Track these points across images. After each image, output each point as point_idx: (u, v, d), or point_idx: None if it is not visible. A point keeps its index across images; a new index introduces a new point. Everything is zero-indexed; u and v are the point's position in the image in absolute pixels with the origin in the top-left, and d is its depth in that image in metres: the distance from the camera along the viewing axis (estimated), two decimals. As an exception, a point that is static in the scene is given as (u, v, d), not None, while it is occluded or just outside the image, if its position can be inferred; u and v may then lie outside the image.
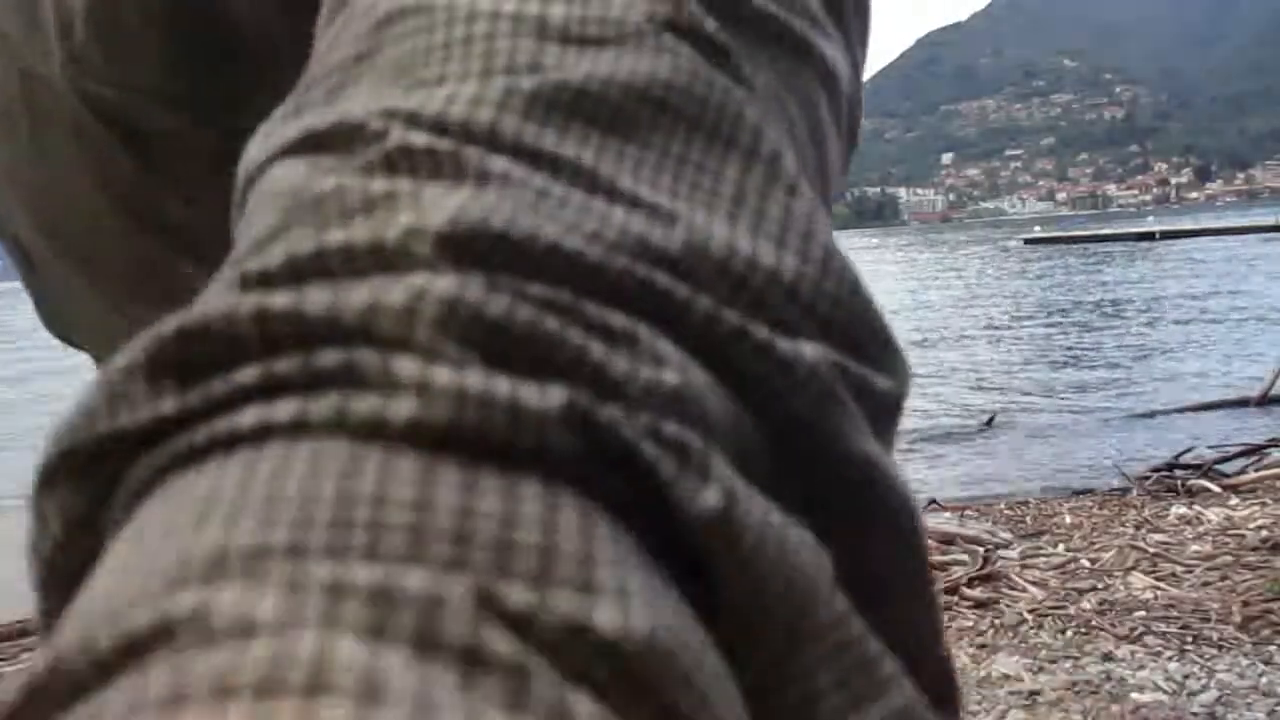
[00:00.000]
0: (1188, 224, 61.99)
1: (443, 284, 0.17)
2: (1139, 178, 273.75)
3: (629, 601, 0.14)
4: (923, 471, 7.75)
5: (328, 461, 0.15)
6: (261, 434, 0.16)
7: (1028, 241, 56.32)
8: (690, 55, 0.22)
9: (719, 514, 0.16)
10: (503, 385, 0.16)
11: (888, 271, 35.80)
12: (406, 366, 0.16)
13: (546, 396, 0.16)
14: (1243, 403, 8.72)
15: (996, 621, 3.67)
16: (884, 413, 0.21)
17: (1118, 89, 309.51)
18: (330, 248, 0.18)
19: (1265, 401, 8.52)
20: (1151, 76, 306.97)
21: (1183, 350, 13.07)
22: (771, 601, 0.17)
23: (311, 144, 0.21)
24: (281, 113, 0.23)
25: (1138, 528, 5.49)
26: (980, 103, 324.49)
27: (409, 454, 0.15)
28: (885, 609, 0.20)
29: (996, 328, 16.85)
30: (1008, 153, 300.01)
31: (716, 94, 0.22)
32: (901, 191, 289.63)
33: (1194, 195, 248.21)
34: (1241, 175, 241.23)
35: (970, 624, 3.65)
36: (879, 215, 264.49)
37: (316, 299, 0.17)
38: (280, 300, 0.17)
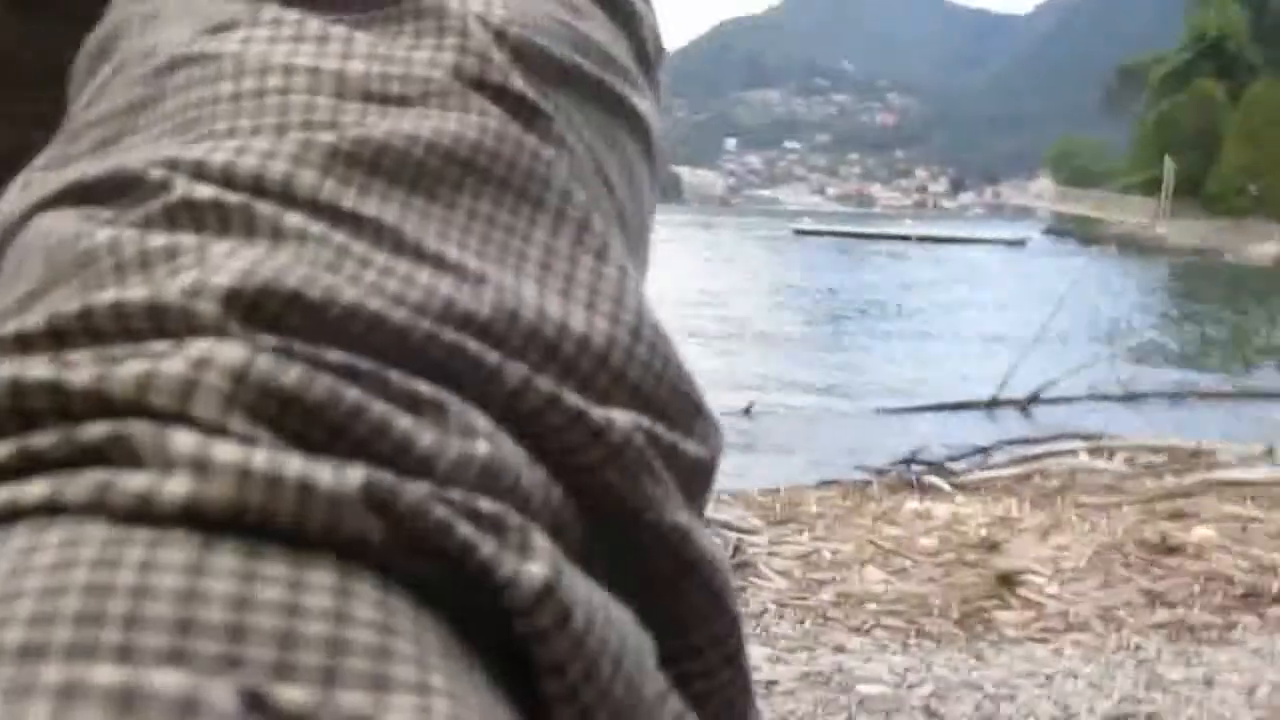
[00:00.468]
0: (942, 230, 67.25)
1: (229, 350, 0.15)
2: (902, 182, 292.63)
3: (429, 699, 0.13)
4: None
5: (82, 548, 0.13)
6: (8, 518, 0.14)
7: (798, 232, 59.22)
8: (499, 115, 0.21)
9: (545, 591, 0.15)
10: (293, 463, 0.15)
11: (667, 252, 36.75)
12: (184, 442, 0.14)
13: (344, 476, 0.15)
14: (975, 405, 9.39)
15: (743, 610, 3.83)
16: (696, 479, 0.21)
17: (890, 96, 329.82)
18: (99, 308, 0.16)
19: (994, 405, 9.28)
20: (920, 89, 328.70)
21: (928, 352, 14.06)
22: (604, 683, 0.16)
23: (82, 195, 0.19)
24: (43, 162, 0.21)
25: (876, 520, 5.84)
26: (765, 93, 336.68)
27: (181, 539, 0.14)
28: (700, 680, 0.19)
29: (758, 318, 17.63)
30: (786, 144, 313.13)
31: (525, 155, 0.21)
32: (685, 171, 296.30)
33: (948, 204, 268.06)
34: (990, 189, 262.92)
35: (717, 612, 3.79)
36: (662, 192, 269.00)
37: (81, 367, 0.15)
38: (38, 368, 0.15)
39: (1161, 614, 3.79)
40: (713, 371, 12.01)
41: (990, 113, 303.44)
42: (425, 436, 0.16)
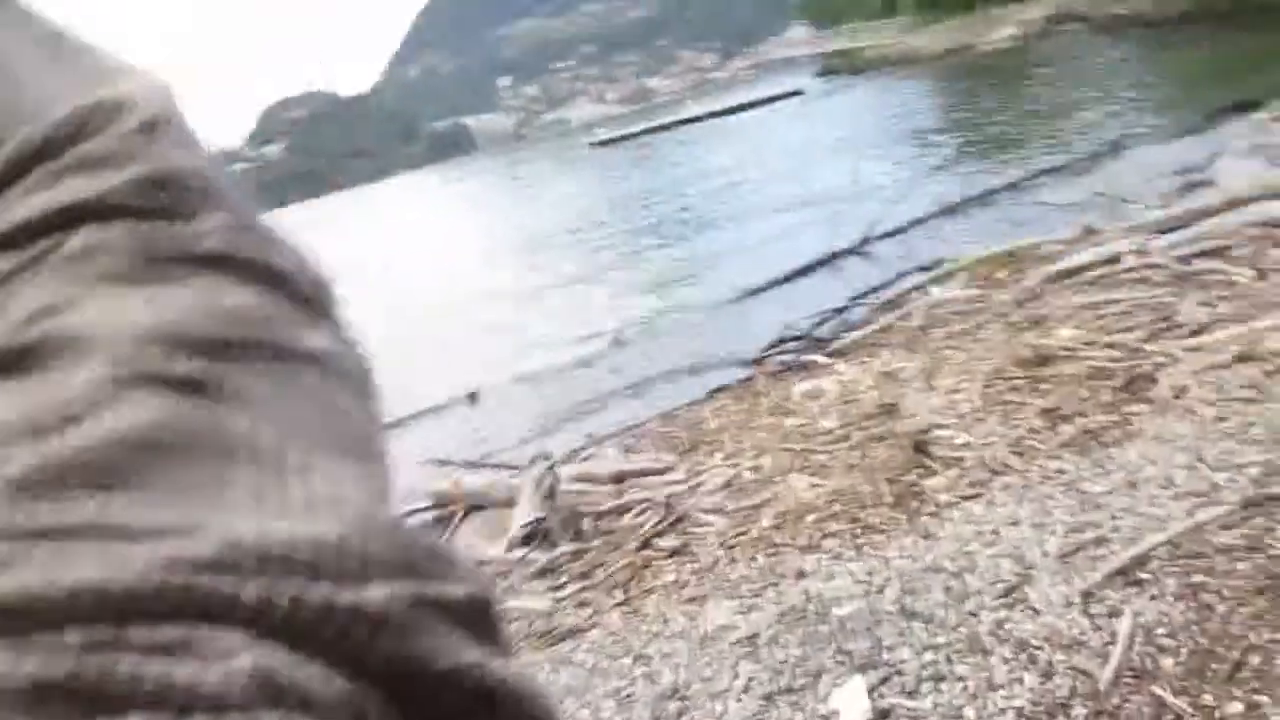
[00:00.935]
0: (727, 102, 67.94)
1: None
2: (673, 68, 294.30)
3: None
4: (571, 406, 7.85)
5: None
6: None
7: (594, 145, 58.87)
8: (169, 396, 0.23)
9: None
10: None
11: (488, 202, 35.82)
12: None
13: None
14: (819, 265, 9.40)
15: (694, 567, 3.78)
16: (476, 617, 0.22)
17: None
18: None
19: (835, 258, 9.28)
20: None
21: (742, 227, 14.00)
22: None
23: None
24: None
25: (773, 415, 5.88)
26: (522, 24, 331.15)
27: None
28: None
29: (583, 243, 17.44)
30: (556, 65, 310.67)
31: (202, 420, 0.23)
32: (470, 120, 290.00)
33: (719, 74, 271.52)
34: (752, 50, 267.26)
35: (673, 577, 3.73)
36: (456, 146, 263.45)
37: None
38: None
39: (1065, 430, 3.96)
40: (565, 312, 11.90)
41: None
42: (182, 672, 0.17)
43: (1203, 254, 6.13)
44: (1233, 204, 7.01)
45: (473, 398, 8.76)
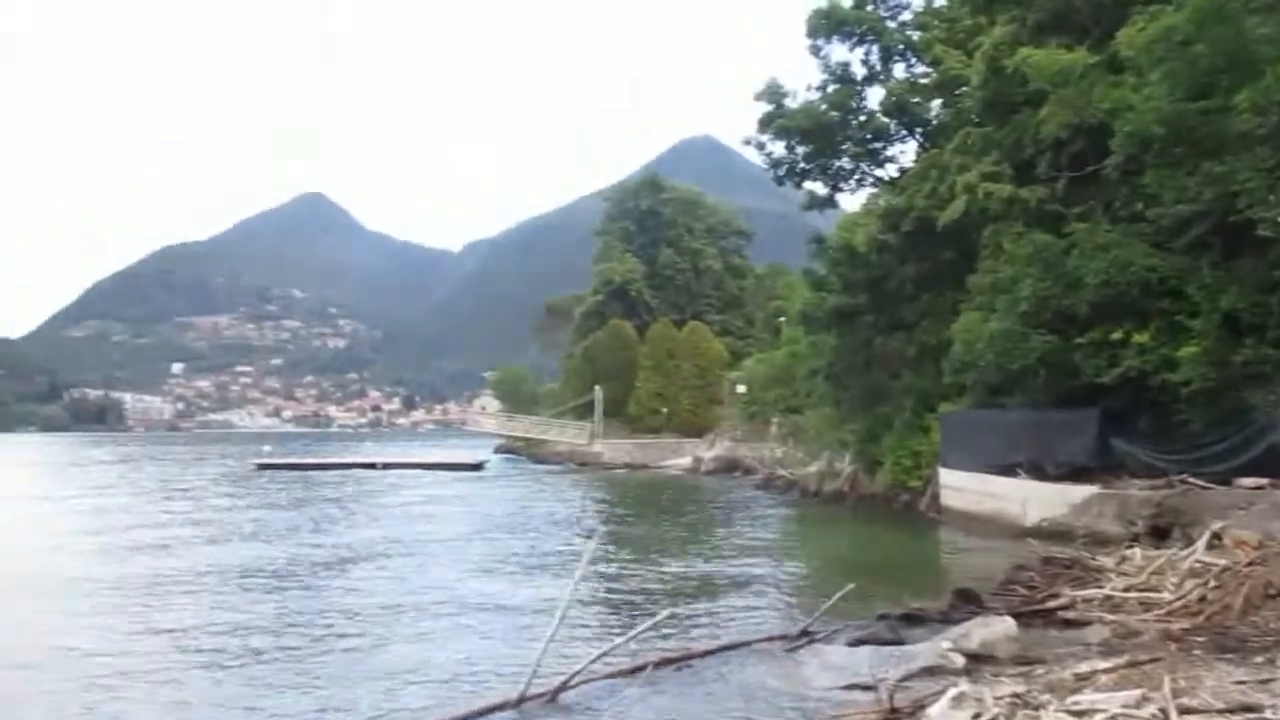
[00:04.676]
0: (405, 454, 68.94)
1: None
2: (356, 402, 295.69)
3: None
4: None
5: None
6: None
7: (260, 466, 57.03)
8: None
9: None
10: None
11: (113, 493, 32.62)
12: None
13: None
14: (501, 706, 8.25)
15: None
16: None
17: (341, 322, 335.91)
18: None
19: (523, 701, 8.30)
20: (369, 315, 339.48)
21: (423, 639, 11.98)
22: None
23: None
24: None
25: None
26: (215, 319, 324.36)
27: None
28: None
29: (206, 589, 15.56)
30: (239, 368, 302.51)
31: None
32: (127, 396, 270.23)
33: (402, 421, 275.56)
34: (439, 406, 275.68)
35: None
36: (100, 419, 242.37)
37: None
38: None
39: None
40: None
41: (432, 337, 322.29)
42: None
43: None
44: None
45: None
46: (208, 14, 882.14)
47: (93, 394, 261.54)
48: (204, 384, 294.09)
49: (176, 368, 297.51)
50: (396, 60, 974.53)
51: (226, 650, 11.10)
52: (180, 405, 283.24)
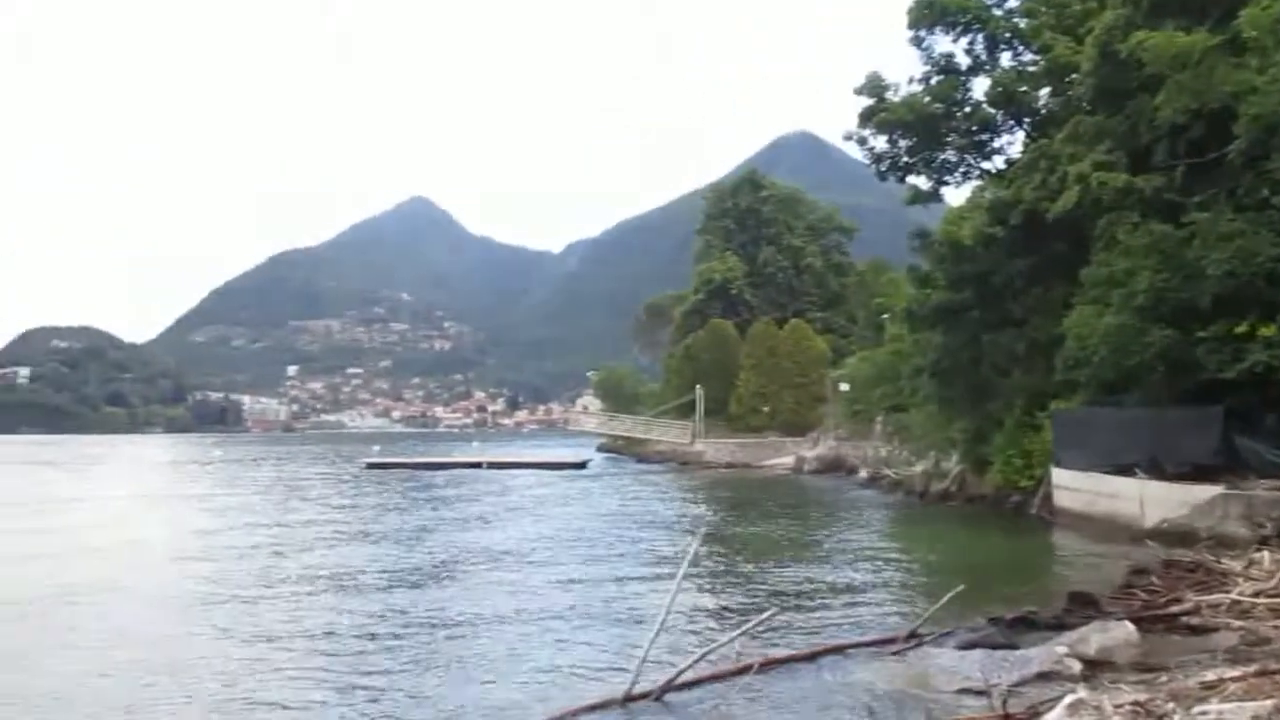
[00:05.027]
0: (510, 454, 70.26)
1: None
2: (462, 403, 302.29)
3: None
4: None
5: None
6: None
7: (370, 465, 58.74)
8: None
9: None
10: None
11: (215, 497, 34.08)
12: None
13: None
14: (607, 705, 8.32)
15: None
16: None
17: (446, 324, 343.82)
18: None
19: (629, 700, 8.36)
20: (473, 317, 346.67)
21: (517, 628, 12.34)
22: None
23: None
24: None
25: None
26: (326, 322, 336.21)
27: None
28: None
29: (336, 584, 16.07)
30: (349, 370, 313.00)
31: None
32: (245, 398, 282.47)
33: (506, 421, 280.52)
34: (542, 407, 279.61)
35: None
36: (221, 419, 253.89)
37: None
38: None
39: None
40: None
41: (535, 338, 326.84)
42: None
43: None
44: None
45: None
46: (324, 21, 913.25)
47: (214, 396, 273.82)
48: (316, 386, 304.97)
49: (291, 370, 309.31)
50: (497, 64, 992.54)
51: (337, 650, 11.46)
52: (294, 407, 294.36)
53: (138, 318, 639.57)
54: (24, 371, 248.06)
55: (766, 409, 62.27)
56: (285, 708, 9.08)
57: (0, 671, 10.51)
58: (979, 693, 8.46)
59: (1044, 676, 8.97)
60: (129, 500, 37.37)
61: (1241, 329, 18.09)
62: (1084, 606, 11.97)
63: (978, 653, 10.06)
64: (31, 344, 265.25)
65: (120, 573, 17.65)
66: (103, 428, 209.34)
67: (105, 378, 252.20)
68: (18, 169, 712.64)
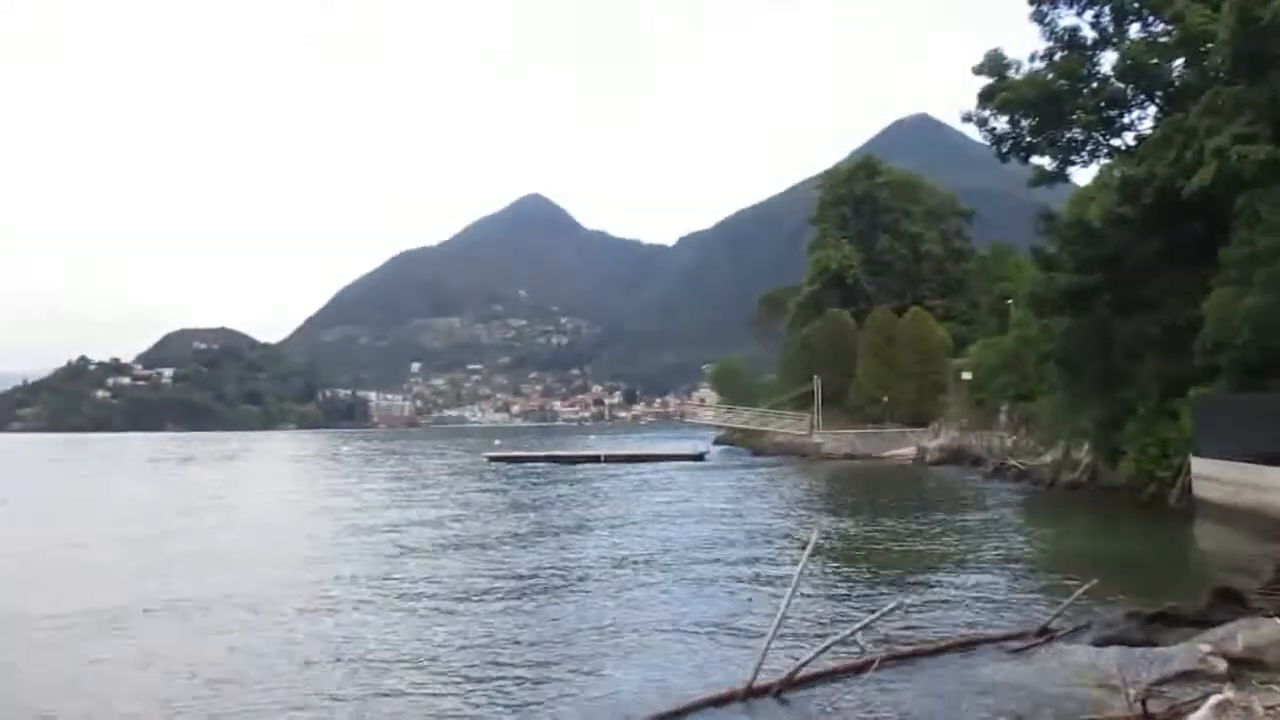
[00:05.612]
0: (628, 447, 70.86)
1: None
2: (579, 397, 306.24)
3: None
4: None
5: None
6: None
7: (492, 459, 60.13)
8: None
9: None
10: None
11: (355, 490, 35.19)
12: None
13: None
14: (728, 698, 8.35)
15: None
16: None
17: (563, 320, 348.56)
18: None
19: (750, 693, 8.39)
20: (588, 312, 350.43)
21: (648, 621, 12.45)
22: None
23: None
24: None
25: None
26: (448, 320, 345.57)
27: None
28: None
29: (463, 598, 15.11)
30: (470, 366, 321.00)
31: None
32: (372, 395, 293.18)
33: (623, 414, 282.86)
34: (658, 400, 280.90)
35: None
36: (349, 415, 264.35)
37: None
38: None
39: None
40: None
41: (651, 331, 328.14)
42: None
43: None
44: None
45: None
46: (425, 28, 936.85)
47: (342, 393, 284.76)
48: (439, 382, 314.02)
49: (414, 367, 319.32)
50: (606, 57, 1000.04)
51: (465, 651, 11.71)
52: (418, 403, 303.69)
53: (271, 318, 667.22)
54: (168, 372, 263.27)
55: (886, 399, 61.07)
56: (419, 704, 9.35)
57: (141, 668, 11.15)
58: (1116, 690, 8.18)
59: (1186, 675, 8.61)
60: (272, 502, 39.11)
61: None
62: (1229, 602, 11.41)
63: (1114, 649, 9.72)
64: (174, 346, 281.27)
65: (243, 580, 18.23)
66: (239, 424, 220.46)
67: (241, 377, 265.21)
68: (162, 177, 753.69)
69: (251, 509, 32.10)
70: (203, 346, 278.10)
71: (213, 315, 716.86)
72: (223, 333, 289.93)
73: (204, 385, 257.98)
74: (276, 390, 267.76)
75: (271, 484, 46.75)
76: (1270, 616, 10.08)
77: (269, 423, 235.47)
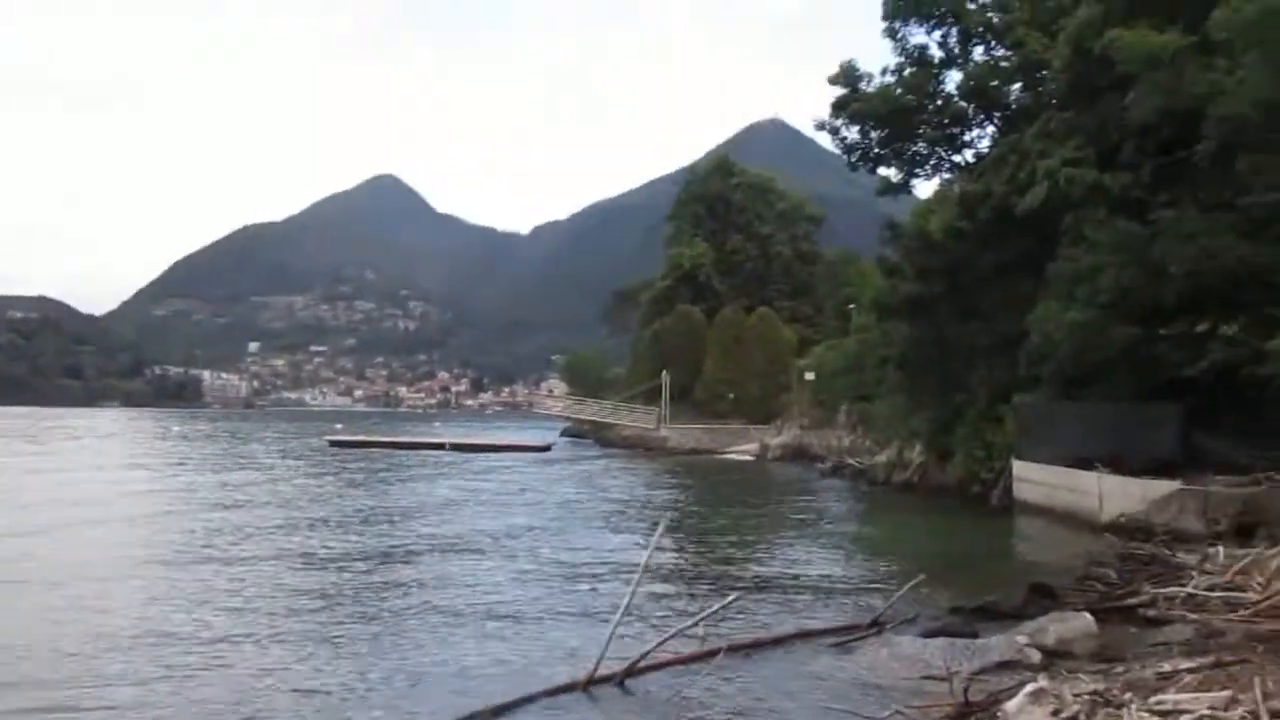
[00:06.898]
0: (473, 436, 69.91)
1: None
2: (426, 383, 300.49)
3: None
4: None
5: None
6: None
7: (333, 444, 58.27)
8: None
9: None
10: None
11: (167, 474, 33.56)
12: None
13: None
14: (570, 687, 8.32)
15: None
16: None
17: (412, 304, 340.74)
18: None
19: (591, 684, 8.37)
20: (439, 297, 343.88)
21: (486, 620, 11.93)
22: None
23: None
24: None
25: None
26: (290, 299, 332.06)
27: None
28: None
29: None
30: (312, 348, 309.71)
31: None
32: (205, 373, 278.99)
33: (470, 402, 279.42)
34: (507, 389, 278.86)
35: None
36: (180, 395, 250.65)
37: None
38: None
39: None
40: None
41: (501, 320, 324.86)
42: None
43: None
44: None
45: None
46: None
47: (173, 371, 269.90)
48: (279, 363, 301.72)
49: (253, 346, 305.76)
50: (467, 43, 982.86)
51: (290, 633, 11.29)
52: (256, 383, 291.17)
53: (98, 290, 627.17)
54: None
55: (732, 396, 62.47)
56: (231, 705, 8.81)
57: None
58: (940, 679, 8.53)
59: (1004, 665, 9.07)
60: (88, 480, 36.73)
61: (1203, 327, 18.36)
62: (1043, 597, 12.12)
63: (939, 641, 10.14)
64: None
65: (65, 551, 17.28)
66: (58, 400, 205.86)
67: (61, 349, 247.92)
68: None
69: (59, 500, 29.96)
70: (19, 315, 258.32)
71: (32, 284, 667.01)
72: (41, 301, 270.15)
73: (18, 356, 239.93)
74: (100, 365, 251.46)
75: (91, 470, 43.83)
76: (1079, 611, 10.75)
77: (91, 399, 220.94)
